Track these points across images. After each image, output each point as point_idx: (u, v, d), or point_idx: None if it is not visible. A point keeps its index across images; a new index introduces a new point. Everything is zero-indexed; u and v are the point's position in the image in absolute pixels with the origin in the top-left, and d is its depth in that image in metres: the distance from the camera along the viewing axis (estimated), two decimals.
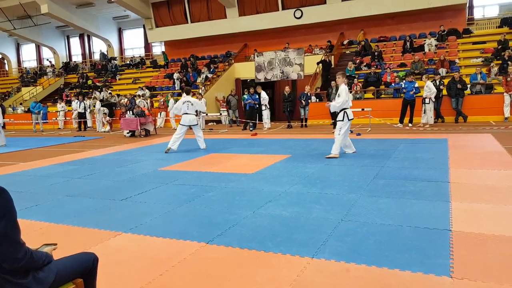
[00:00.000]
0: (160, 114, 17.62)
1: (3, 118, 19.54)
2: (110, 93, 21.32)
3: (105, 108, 18.34)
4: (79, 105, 18.33)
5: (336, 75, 8.03)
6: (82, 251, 2.37)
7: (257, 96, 15.23)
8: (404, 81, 13.48)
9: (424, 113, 12.90)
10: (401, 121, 13.25)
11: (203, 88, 18.44)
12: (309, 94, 15.12)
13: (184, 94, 10.03)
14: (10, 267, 1.76)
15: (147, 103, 17.56)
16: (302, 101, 14.82)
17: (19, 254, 1.76)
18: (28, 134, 17.95)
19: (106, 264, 3.10)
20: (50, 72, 27.43)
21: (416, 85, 12.94)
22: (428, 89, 12.65)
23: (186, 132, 9.71)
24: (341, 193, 5.05)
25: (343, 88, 7.67)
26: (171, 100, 17.16)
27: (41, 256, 1.90)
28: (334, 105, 7.65)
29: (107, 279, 2.88)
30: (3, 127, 14.11)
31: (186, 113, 9.61)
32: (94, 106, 18.10)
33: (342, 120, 7.60)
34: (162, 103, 17.57)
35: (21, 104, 23.84)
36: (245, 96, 15.62)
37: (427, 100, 12.73)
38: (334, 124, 7.78)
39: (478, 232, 3.51)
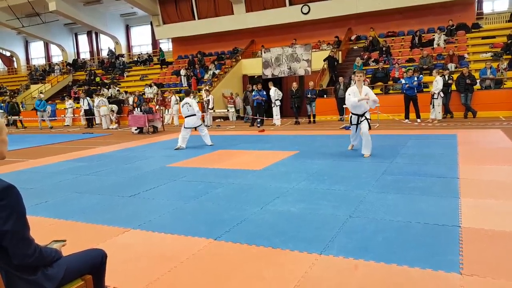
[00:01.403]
0: (168, 111, 17.69)
1: (18, 116, 19.93)
2: (118, 90, 21.42)
3: (113, 105, 18.44)
4: (83, 102, 18.53)
5: (357, 73, 7.53)
6: (91, 247, 2.39)
7: (264, 92, 15.19)
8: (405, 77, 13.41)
9: (433, 108, 12.78)
10: (406, 117, 13.17)
11: (207, 87, 18.31)
12: (315, 90, 15.00)
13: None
14: (20, 264, 1.77)
15: (156, 95, 17.73)
16: (308, 96, 14.74)
17: (28, 251, 1.77)
18: (37, 131, 18.10)
19: (114, 261, 3.12)
20: (58, 70, 27.59)
21: (416, 79, 12.81)
22: (436, 83, 12.54)
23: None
24: (349, 189, 5.03)
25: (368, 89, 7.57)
26: (173, 98, 17.24)
27: (50, 253, 1.91)
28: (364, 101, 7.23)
29: (115, 275, 2.89)
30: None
31: (188, 116, 9.55)
32: (86, 104, 18.36)
33: (370, 119, 7.58)
34: (169, 99, 17.64)
35: (36, 97, 23.98)
36: (253, 93, 15.58)
37: (435, 95, 12.61)
38: (357, 121, 7.53)
39: (488, 228, 3.48)
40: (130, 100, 17.92)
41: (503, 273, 2.69)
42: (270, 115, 15.80)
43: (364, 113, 7.37)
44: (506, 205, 4.11)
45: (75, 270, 2.00)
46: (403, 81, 13.27)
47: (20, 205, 1.76)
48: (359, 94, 7.23)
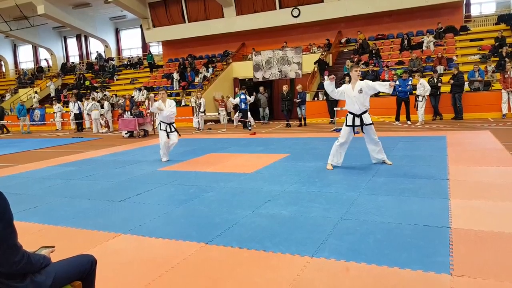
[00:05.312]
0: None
1: (2, 120, 19.77)
2: (107, 93, 21.30)
3: (102, 109, 18.32)
4: (73, 106, 18.40)
5: (354, 67, 6.62)
6: (81, 253, 2.36)
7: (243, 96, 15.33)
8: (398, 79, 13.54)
9: (418, 110, 12.93)
10: (397, 119, 13.33)
11: (197, 92, 18.24)
12: (304, 92, 15.03)
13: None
14: (8, 271, 1.75)
15: (148, 99, 17.63)
16: (295, 100, 14.80)
17: (16, 258, 1.75)
18: (26, 135, 17.91)
19: (105, 266, 3.09)
20: (42, 75, 27.39)
21: (410, 82, 12.99)
22: (422, 86, 12.70)
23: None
24: (340, 191, 5.05)
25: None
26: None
27: (39, 259, 1.89)
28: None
29: (106, 281, 2.86)
30: None
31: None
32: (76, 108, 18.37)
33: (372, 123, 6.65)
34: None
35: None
36: (242, 96, 15.63)
37: (419, 98, 12.80)
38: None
39: (478, 229, 3.51)
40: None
41: (493, 273, 2.71)
42: (257, 118, 15.97)
43: (363, 112, 6.52)
44: (495, 206, 4.15)
45: (64, 277, 1.98)
46: (397, 83, 13.38)
47: (7, 211, 1.73)
48: (351, 91, 6.48)
